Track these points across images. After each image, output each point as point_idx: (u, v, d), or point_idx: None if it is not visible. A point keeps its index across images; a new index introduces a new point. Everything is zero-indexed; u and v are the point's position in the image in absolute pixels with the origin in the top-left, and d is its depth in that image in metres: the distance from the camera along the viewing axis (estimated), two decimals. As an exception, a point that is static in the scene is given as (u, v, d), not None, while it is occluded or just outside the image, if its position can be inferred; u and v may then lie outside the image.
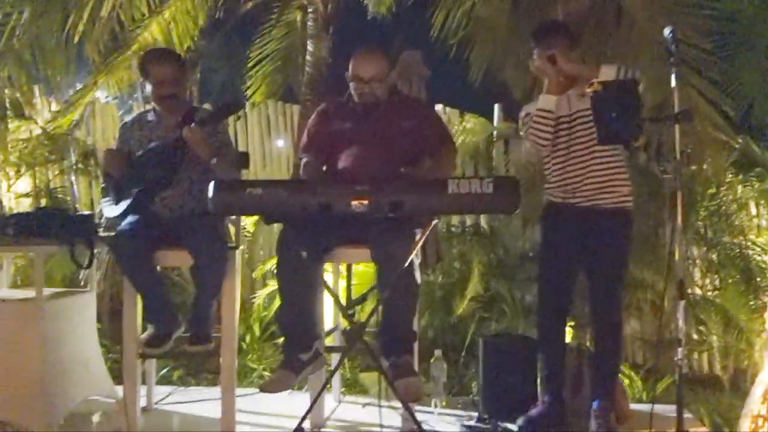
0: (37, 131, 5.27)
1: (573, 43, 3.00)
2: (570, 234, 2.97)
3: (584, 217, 2.94)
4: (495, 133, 5.16)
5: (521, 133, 3.20)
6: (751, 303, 4.26)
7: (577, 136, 2.94)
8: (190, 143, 2.96)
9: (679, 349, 2.47)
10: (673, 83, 2.52)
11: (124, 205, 2.99)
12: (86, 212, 3.52)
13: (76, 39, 4.75)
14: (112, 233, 3.03)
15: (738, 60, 4.24)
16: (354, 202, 2.46)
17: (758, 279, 4.34)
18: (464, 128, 5.16)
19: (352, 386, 4.05)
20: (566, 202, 2.97)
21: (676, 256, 2.54)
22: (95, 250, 3.01)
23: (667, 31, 2.55)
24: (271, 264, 4.80)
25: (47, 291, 2.98)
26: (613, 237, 2.95)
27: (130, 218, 2.98)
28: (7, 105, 5.17)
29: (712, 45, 3.99)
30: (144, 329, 3.06)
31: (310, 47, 5.16)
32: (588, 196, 2.93)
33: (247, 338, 4.60)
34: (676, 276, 2.53)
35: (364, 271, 4.20)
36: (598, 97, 2.61)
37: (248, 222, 4.89)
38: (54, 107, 5.60)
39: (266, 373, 4.14)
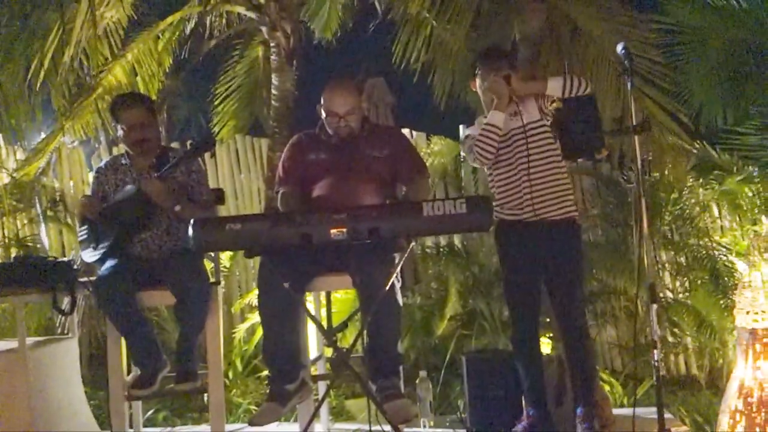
0: (4, 180, 5.23)
1: (514, 68, 3.11)
2: (524, 249, 3.05)
3: (534, 232, 3.02)
4: (462, 153, 5.26)
5: (462, 154, 3.27)
6: (721, 302, 4.38)
7: (516, 152, 3.02)
8: (149, 195, 2.98)
9: (655, 351, 2.55)
10: (629, 96, 2.63)
11: (102, 249, 3.00)
12: (66, 259, 3.51)
13: (38, 86, 4.75)
14: (92, 278, 3.03)
15: (687, 69, 4.42)
16: (333, 231, 2.51)
17: (726, 279, 4.46)
18: (432, 151, 5.25)
19: (339, 414, 4.06)
20: (515, 218, 3.06)
21: (645, 262, 2.63)
22: (76, 296, 3.00)
23: (620, 48, 2.67)
24: (249, 298, 4.82)
25: (29, 340, 2.97)
26: (565, 247, 3.04)
27: (109, 262, 2.99)
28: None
29: (662, 56, 4.16)
30: (128, 371, 3.05)
31: (275, 81, 5.23)
32: (535, 211, 3.01)
33: (230, 374, 4.59)
34: (647, 280, 2.62)
35: (343, 298, 4.24)
36: (560, 113, 2.71)
37: (224, 257, 4.90)
38: (20, 155, 5.57)
39: (252, 407, 4.13)
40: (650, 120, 3.77)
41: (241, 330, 4.71)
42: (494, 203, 3.12)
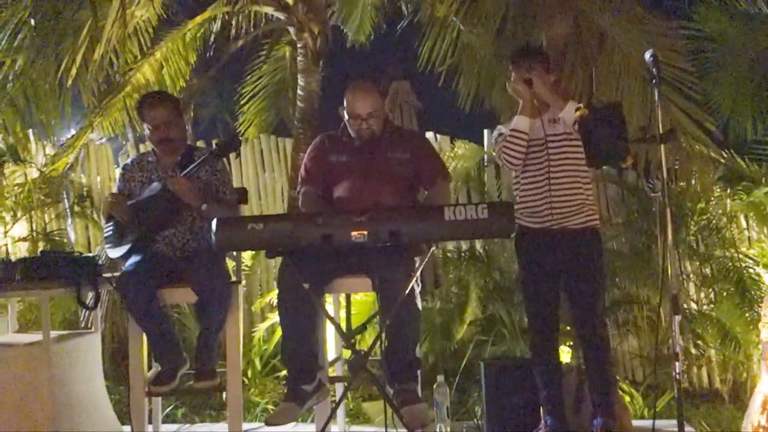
0: (33, 175, 5.32)
1: (549, 68, 3.08)
2: (544, 257, 3.04)
3: (555, 240, 3.01)
4: (486, 157, 5.25)
5: (493, 153, 3.26)
6: (747, 315, 4.30)
7: (549, 160, 3.00)
8: (177, 193, 3.01)
9: (677, 364, 2.52)
10: (656, 104, 2.60)
11: (127, 245, 3.04)
12: (90, 254, 3.57)
13: (69, 83, 4.82)
14: (116, 274, 3.07)
15: (715, 77, 4.36)
16: (354, 233, 2.51)
17: (752, 291, 4.39)
18: (455, 154, 5.24)
19: (356, 416, 4.06)
20: (537, 226, 3.04)
21: (669, 272, 2.60)
22: (99, 291, 3.04)
23: (648, 55, 2.64)
24: (270, 297, 4.84)
25: (53, 334, 3.02)
26: (585, 256, 3.03)
27: (133, 258, 3.03)
28: (4, 149, 5.25)
29: (691, 64, 4.10)
30: (149, 368, 3.09)
31: (300, 81, 5.25)
32: (557, 219, 3.00)
33: (249, 373, 4.62)
34: (670, 291, 2.59)
35: (363, 300, 4.25)
36: (586, 121, 2.69)
37: (246, 256, 4.93)
38: (49, 150, 5.66)
39: (270, 407, 4.15)
40: (677, 129, 3.72)
41: (261, 329, 4.73)
42: (516, 208, 3.11)
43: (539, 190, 3.02)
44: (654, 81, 2.60)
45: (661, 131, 2.58)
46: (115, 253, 3.09)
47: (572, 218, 3.00)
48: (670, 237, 2.55)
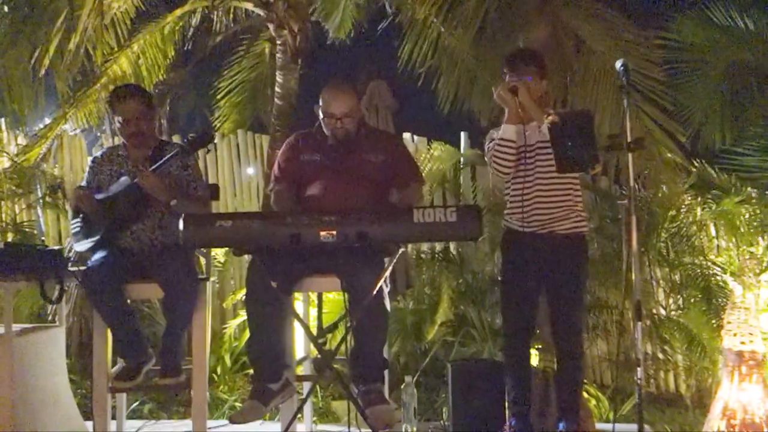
0: (4, 165, 5.25)
1: (543, 73, 3.06)
2: (529, 260, 3.05)
3: (542, 244, 3.02)
4: (462, 160, 5.27)
5: (486, 159, 3.27)
6: (713, 322, 4.34)
7: (535, 166, 3.01)
8: (145, 189, 2.99)
9: (638, 369, 2.55)
10: (625, 113, 2.63)
11: (94, 239, 3.01)
12: (56, 247, 3.53)
13: (42, 72, 4.76)
14: (82, 267, 3.04)
15: (688, 87, 4.42)
16: (322, 233, 2.52)
17: (719, 298, 4.44)
18: (432, 156, 5.25)
19: (325, 415, 4.06)
20: (524, 230, 3.05)
21: (633, 279, 2.63)
22: (65, 285, 3.01)
23: (618, 64, 2.67)
24: (242, 294, 4.81)
25: (16, 327, 2.97)
26: (570, 262, 3.04)
27: (100, 252, 3.00)
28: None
29: (665, 73, 4.15)
30: (114, 363, 3.06)
31: (279, 78, 5.23)
32: (545, 223, 3.01)
33: (218, 369, 4.59)
34: (634, 298, 2.62)
35: (335, 299, 4.24)
36: (556, 128, 2.72)
37: (219, 253, 4.91)
38: (21, 140, 5.59)
39: (238, 404, 4.13)
40: (646, 138, 3.76)
41: (231, 326, 4.71)
42: (505, 212, 3.14)
43: (527, 194, 3.01)
44: (623, 90, 2.63)
45: (629, 140, 2.61)
46: (82, 246, 3.06)
47: (559, 223, 3.01)
48: (634, 244, 2.58)
